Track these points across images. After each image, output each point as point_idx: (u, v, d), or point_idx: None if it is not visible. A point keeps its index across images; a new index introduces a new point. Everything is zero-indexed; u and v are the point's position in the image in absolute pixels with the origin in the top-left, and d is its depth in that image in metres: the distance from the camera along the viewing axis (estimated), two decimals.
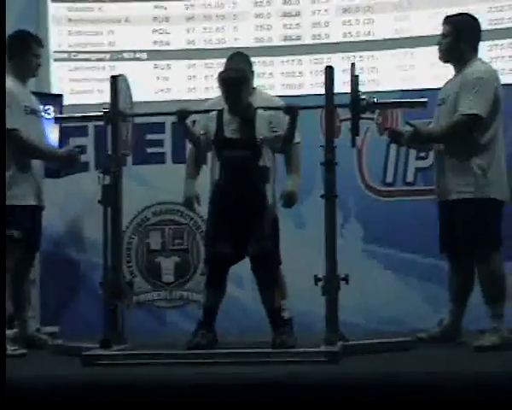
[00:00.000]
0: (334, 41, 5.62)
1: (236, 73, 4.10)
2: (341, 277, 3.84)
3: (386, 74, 5.51)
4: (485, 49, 5.19)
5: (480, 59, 4.27)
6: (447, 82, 4.31)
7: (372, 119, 5.11)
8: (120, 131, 4.16)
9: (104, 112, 4.14)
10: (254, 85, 4.37)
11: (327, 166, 3.89)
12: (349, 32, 5.62)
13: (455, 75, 4.26)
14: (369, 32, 5.59)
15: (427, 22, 5.18)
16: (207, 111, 4.26)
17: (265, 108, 4.16)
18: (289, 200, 4.30)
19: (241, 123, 4.07)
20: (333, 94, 3.95)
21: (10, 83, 4.42)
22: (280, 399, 3.09)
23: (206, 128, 4.17)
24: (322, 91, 4.00)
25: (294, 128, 4.07)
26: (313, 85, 5.48)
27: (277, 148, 4.20)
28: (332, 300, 3.82)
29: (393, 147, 5.21)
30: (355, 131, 3.98)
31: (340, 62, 5.31)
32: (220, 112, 4.13)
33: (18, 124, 4.35)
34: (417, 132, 4.19)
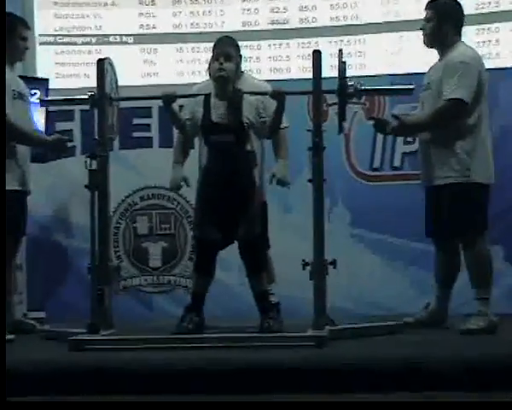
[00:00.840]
0: (322, 25, 5.60)
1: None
2: (329, 261, 3.84)
3: (373, 58, 5.50)
4: (472, 34, 5.22)
5: (463, 43, 4.27)
6: (431, 67, 4.31)
7: (359, 104, 5.11)
8: (107, 115, 4.14)
9: (90, 95, 4.11)
10: (242, 69, 4.36)
11: (314, 150, 3.88)
12: (336, 16, 5.60)
13: (439, 60, 4.26)
14: (357, 16, 5.58)
15: (415, 6, 5.16)
16: (194, 95, 4.24)
17: (252, 93, 4.15)
18: (281, 184, 4.29)
19: (228, 108, 4.06)
20: (320, 78, 3.93)
21: None
22: (267, 383, 3.10)
23: (193, 113, 4.16)
24: (310, 76, 3.98)
25: (281, 114, 4.06)
26: (301, 70, 5.47)
27: (264, 134, 4.19)
28: (320, 284, 3.82)
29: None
30: (342, 117, 3.97)
31: (327, 46, 5.31)
32: (207, 96, 4.12)
33: (6, 108, 4.30)
34: (402, 124, 4.20)
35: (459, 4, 4.30)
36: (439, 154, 4.14)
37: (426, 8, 4.31)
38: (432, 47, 4.30)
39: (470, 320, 4.02)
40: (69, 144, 4.70)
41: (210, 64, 4.14)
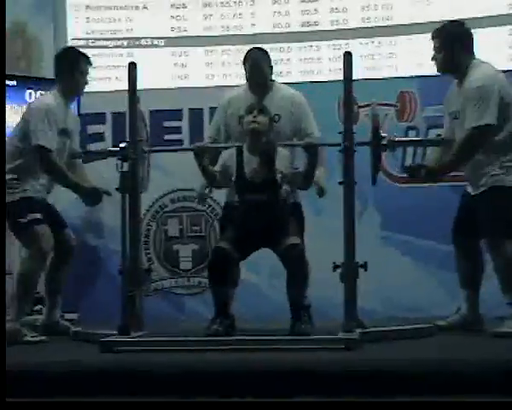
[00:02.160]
0: (353, 27, 5.59)
1: (261, 125, 4.04)
2: (359, 264, 3.82)
3: (404, 60, 5.47)
4: (505, 34, 5.17)
5: (478, 61, 4.15)
6: (450, 93, 4.24)
7: (391, 105, 5.09)
8: (135, 117, 4.15)
9: (121, 148, 4.06)
10: (272, 78, 4.37)
11: (345, 153, 3.87)
12: (367, 18, 5.58)
13: (457, 84, 4.18)
14: (388, 17, 5.55)
15: (447, 6, 5.13)
16: (226, 147, 4.24)
17: (287, 145, 4.13)
18: (319, 193, 4.27)
19: (261, 163, 4.02)
20: (351, 80, 3.92)
21: (51, 99, 4.38)
22: (298, 386, 3.09)
23: (225, 164, 4.13)
24: (341, 77, 3.97)
25: (314, 165, 4.01)
26: (331, 71, 5.45)
27: (297, 184, 4.14)
28: (350, 287, 3.81)
29: (412, 133, 5.18)
30: (376, 169, 3.94)
31: (358, 48, 5.29)
32: (239, 149, 4.09)
33: (52, 145, 4.29)
34: (432, 171, 4.15)
35: (463, 24, 4.23)
36: (477, 164, 4.09)
37: (432, 38, 4.23)
38: (446, 74, 4.22)
39: (503, 324, 3.98)
40: (99, 145, 4.71)
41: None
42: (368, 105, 4.16)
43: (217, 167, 4.16)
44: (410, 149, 5.27)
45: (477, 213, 4.09)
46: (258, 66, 4.32)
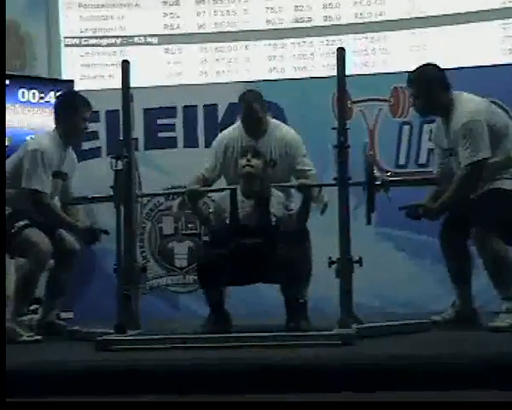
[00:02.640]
0: (346, 22, 5.59)
1: (255, 169, 4.03)
2: (355, 259, 3.83)
3: (397, 55, 5.47)
4: (498, 28, 5.18)
5: (458, 95, 4.10)
6: (438, 128, 4.23)
7: (385, 100, 5.09)
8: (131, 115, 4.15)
9: (112, 195, 4.04)
10: (267, 116, 4.39)
11: (339, 148, 3.87)
12: (360, 13, 5.58)
13: (443, 122, 4.16)
14: (381, 13, 5.55)
15: (440, 2, 5.14)
16: (218, 190, 4.25)
17: (280, 187, 4.14)
18: (323, 209, 4.29)
19: (255, 207, 4.02)
20: (344, 76, 3.92)
21: (50, 143, 4.36)
22: (294, 382, 3.09)
23: (219, 207, 4.14)
24: (334, 73, 3.97)
25: (308, 206, 4.03)
26: (325, 67, 5.45)
27: (292, 226, 4.11)
28: (346, 282, 3.81)
29: (406, 128, 5.18)
30: (371, 208, 3.94)
31: (351, 43, 5.30)
32: (233, 192, 4.08)
33: (47, 188, 4.28)
34: (430, 210, 4.15)
35: (434, 65, 4.20)
36: None
37: (408, 85, 4.23)
38: (430, 116, 4.22)
39: (498, 318, 3.99)
40: (94, 143, 4.70)
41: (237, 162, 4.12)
42: (362, 100, 4.16)
43: (210, 209, 4.18)
44: (404, 144, 5.28)
45: (469, 212, 4.09)
46: (251, 109, 4.30)
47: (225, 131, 4.51)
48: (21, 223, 4.26)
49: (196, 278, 4.18)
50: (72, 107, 4.42)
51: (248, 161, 4.02)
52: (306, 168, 4.34)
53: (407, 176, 5.02)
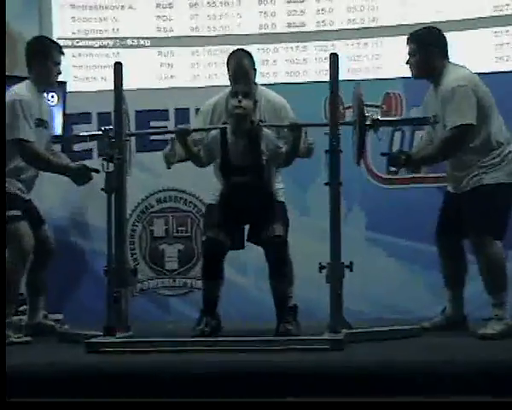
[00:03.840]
0: (339, 28, 5.60)
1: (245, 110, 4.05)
2: (345, 264, 3.83)
3: (390, 61, 5.48)
4: (490, 36, 5.19)
5: (452, 64, 4.19)
6: (428, 95, 4.27)
7: (377, 106, 5.10)
8: (123, 118, 4.15)
9: (104, 131, 4.11)
10: (256, 80, 4.37)
11: (331, 153, 3.88)
12: (353, 19, 5.59)
13: (433, 88, 4.21)
14: (374, 19, 5.56)
15: (432, 8, 5.15)
16: (209, 129, 4.25)
17: (270, 126, 4.15)
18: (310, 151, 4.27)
19: (246, 146, 4.05)
20: (337, 81, 3.93)
21: (25, 90, 4.34)
22: (284, 386, 3.09)
23: (209, 146, 4.15)
24: (327, 78, 3.98)
25: (298, 145, 4.05)
26: (318, 72, 5.46)
27: (280, 163, 4.18)
28: (336, 287, 3.82)
29: (398, 134, 5.19)
30: (361, 148, 3.97)
31: (344, 49, 5.30)
32: (223, 131, 4.11)
33: (31, 136, 4.26)
34: (411, 160, 4.19)
35: (437, 29, 4.26)
36: (457, 164, 4.14)
37: (408, 43, 4.26)
38: (421, 78, 4.26)
39: (488, 325, 4.00)
40: (85, 145, 4.69)
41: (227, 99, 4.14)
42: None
43: (200, 148, 4.17)
44: (395, 150, 5.29)
45: (460, 214, 4.12)
46: (242, 66, 4.31)
47: (213, 98, 4.50)
48: (13, 213, 4.24)
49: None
50: (42, 52, 4.40)
51: (239, 101, 4.03)
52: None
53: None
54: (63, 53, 4.52)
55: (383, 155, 4.33)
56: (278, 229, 4.01)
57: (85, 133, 4.55)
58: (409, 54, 4.24)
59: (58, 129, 5.07)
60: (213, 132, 4.18)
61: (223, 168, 4.09)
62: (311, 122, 4.28)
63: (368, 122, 3.97)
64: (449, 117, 4.04)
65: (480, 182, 4.06)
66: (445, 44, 4.22)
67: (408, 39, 4.26)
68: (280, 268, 4.01)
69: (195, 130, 4.23)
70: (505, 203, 4.12)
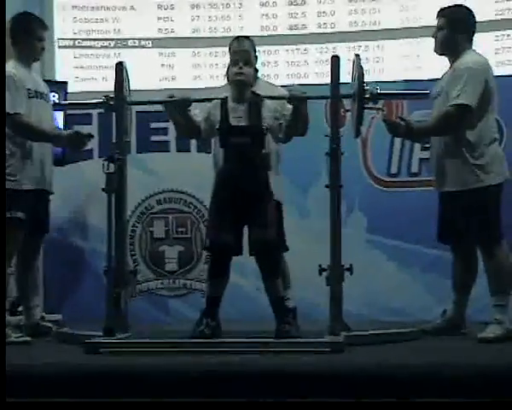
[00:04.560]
0: (340, 30, 5.60)
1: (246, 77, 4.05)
2: (345, 267, 3.83)
3: (391, 64, 5.49)
4: (491, 40, 5.20)
5: (474, 50, 4.24)
6: (444, 74, 4.30)
7: (377, 109, 5.10)
8: (124, 118, 4.15)
9: (105, 98, 4.11)
10: (257, 75, 4.35)
11: (332, 155, 3.88)
12: (355, 22, 5.60)
13: (450, 67, 4.25)
14: (375, 22, 5.57)
15: (433, 12, 5.14)
16: (210, 99, 4.22)
17: (271, 98, 4.14)
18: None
19: (246, 110, 4.04)
20: (338, 84, 3.93)
21: (11, 67, 4.34)
22: (283, 388, 3.09)
23: (209, 115, 4.13)
24: (328, 81, 3.98)
25: (298, 118, 4.04)
26: (318, 75, 5.46)
27: (280, 137, 4.17)
28: (336, 290, 3.82)
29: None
30: (359, 120, 3.97)
31: (345, 52, 5.31)
32: (224, 100, 4.11)
33: (20, 108, 4.27)
34: (410, 128, 4.19)
35: (471, 11, 4.28)
36: (449, 162, 4.14)
37: (437, 16, 4.29)
38: (443, 54, 4.28)
39: (487, 329, 4.00)
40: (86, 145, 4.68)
41: (228, 68, 4.14)
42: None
43: (201, 117, 4.15)
44: (396, 152, 5.30)
45: (460, 213, 4.12)
46: (243, 45, 4.25)
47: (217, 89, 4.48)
48: (17, 214, 4.24)
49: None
50: (26, 28, 4.43)
51: (240, 68, 4.03)
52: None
53: None
54: (46, 28, 4.57)
55: (384, 121, 4.31)
56: (265, 230, 3.96)
57: (86, 101, 4.52)
58: (437, 27, 4.27)
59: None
60: (214, 101, 4.15)
61: (222, 130, 4.04)
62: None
63: (367, 95, 3.96)
64: (453, 94, 4.06)
65: (481, 183, 4.06)
66: (474, 29, 4.25)
67: (438, 13, 4.29)
68: (271, 271, 3.99)
69: (196, 100, 4.20)
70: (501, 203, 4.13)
